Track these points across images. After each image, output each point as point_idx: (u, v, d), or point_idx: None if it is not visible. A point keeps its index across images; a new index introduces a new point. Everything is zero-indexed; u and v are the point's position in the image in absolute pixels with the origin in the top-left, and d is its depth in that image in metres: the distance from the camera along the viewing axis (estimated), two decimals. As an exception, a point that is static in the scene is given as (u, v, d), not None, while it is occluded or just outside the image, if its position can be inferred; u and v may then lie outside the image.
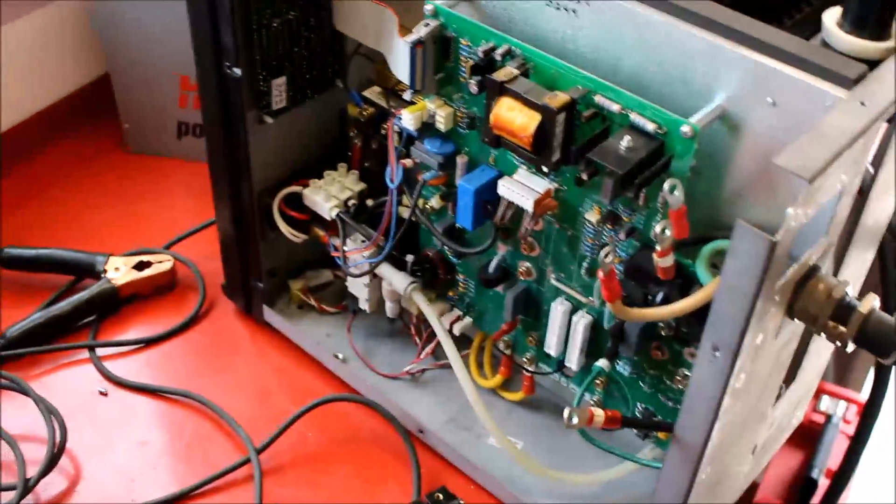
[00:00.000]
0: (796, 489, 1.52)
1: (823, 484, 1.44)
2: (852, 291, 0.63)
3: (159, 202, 1.19)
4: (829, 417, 1.71)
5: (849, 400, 1.75)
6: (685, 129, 0.64)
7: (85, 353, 0.99)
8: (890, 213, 0.77)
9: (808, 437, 1.67)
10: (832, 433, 1.66)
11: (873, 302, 0.62)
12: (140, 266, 1.05)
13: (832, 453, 1.61)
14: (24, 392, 0.91)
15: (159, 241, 1.11)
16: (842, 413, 1.72)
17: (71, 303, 1.00)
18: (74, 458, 0.90)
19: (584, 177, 0.68)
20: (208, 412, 0.93)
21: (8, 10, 1.15)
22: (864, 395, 1.39)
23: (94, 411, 0.94)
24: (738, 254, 0.55)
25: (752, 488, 1.56)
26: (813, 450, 1.66)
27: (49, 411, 0.89)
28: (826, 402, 1.76)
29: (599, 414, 0.68)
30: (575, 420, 0.66)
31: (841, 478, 1.41)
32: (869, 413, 1.26)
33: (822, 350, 0.84)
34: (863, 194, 0.69)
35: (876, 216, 0.74)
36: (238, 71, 0.82)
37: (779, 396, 0.79)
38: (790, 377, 0.81)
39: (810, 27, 0.68)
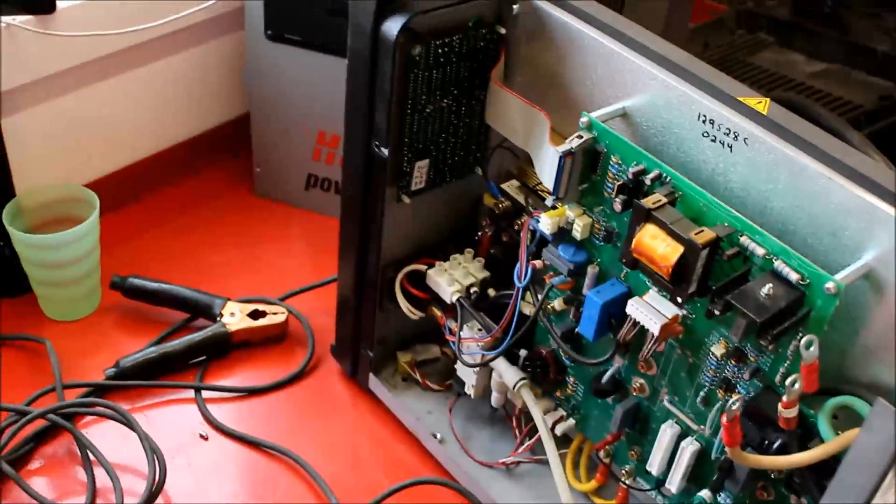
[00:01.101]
0: None
1: None
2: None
3: (279, 250, 1.21)
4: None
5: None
6: (829, 285, 0.64)
7: (191, 394, 1.01)
8: None
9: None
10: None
11: None
12: (255, 314, 1.07)
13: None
14: (130, 426, 0.93)
15: (275, 289, 1.13)
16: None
17: (185, 342, 1.03)
18: (169, 498, 0.91)
19: (716, 312, 0.68)
20: (302, 472, 0.95)
21: (167, 44, 1.20)
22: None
23: (192, 454, 0.96)
24: (873, 430, 0.55)
25: None
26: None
27: (152, 450, 0.91)
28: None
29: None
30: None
31: None
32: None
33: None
34: None
35: None
36: (385, 151, 0.84)
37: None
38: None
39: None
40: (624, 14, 0.81)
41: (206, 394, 1.02)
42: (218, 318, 1.06)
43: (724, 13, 1.53)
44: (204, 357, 1.05)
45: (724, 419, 0.64)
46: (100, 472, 0.91)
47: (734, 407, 0.63)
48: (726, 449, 0.67)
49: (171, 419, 0.99)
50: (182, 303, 1.08)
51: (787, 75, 1.34)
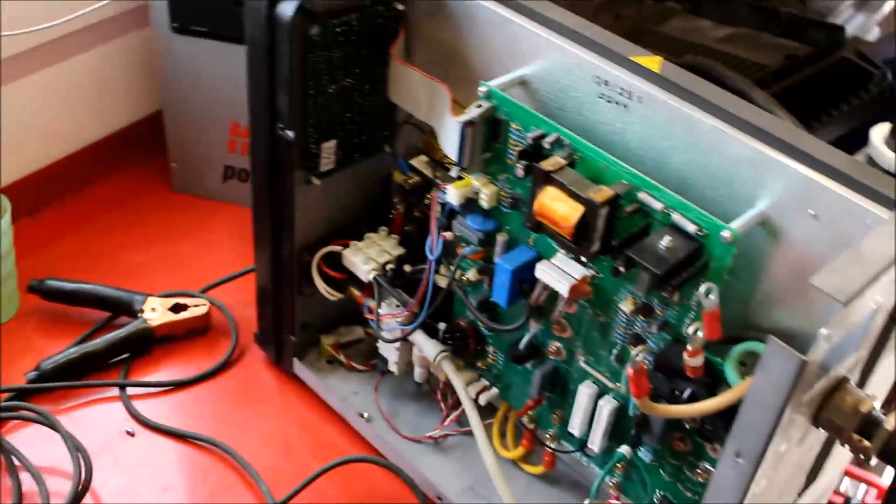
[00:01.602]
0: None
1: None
2: (878, 403, 0.64)
3: (200, 244, 1.21)
4: (847, 500, 1.69)
5: (869, 483, 1.73)
6: (725, 234, 0.65)
7: (115, 391, 1.01)
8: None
9: (826, 519, 1.65)
10: (851, 516, 1.64)
11: (899, 418, 0.63)
12: (176, 308, 1.07)
13: (851, 536, 1.60)
14: (53, 427, 0.92)
15: (197, 284, 1.13)
16: (861, 496, 1.71)
17: (105, 340, 1.02)
18: (98, 497, 0.91)
19: (622, 269, 0.69)
20: (232, 461, 0.95)
21: (72, 43, 1.18)
22: (885, 479, 1.39)
23: (120, 451, 0.95)
24: (768, 369, 0.56)
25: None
26: (832, 532, 1.64)
27: (77, 449, 0.91)
28: (846, 484, 1.74)
29: (619, 510, 0.69)
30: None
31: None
32: (890, 500, 1.25)
33: (844, 451, 0.85)
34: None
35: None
36: (291, 133, 0.84)
37: (800, 495, 0.79)
38: (812, 476, 0.81)
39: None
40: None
41: (131, 391, 1.01)
42: (139, 315, 1.05)
43: (633, -17, 1.54)
44: (127, 354, 1.04)
45: (629, 371, 0.66)
46: (25, 477, 0.90)
47: (638, 358, 0.65)
48: (635, 400, 0.68)
49: (97, 418, 0.98)
50: (102, 302, 1.07)
51: (695, 41, 1.36)
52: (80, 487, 0.89)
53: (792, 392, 0.56)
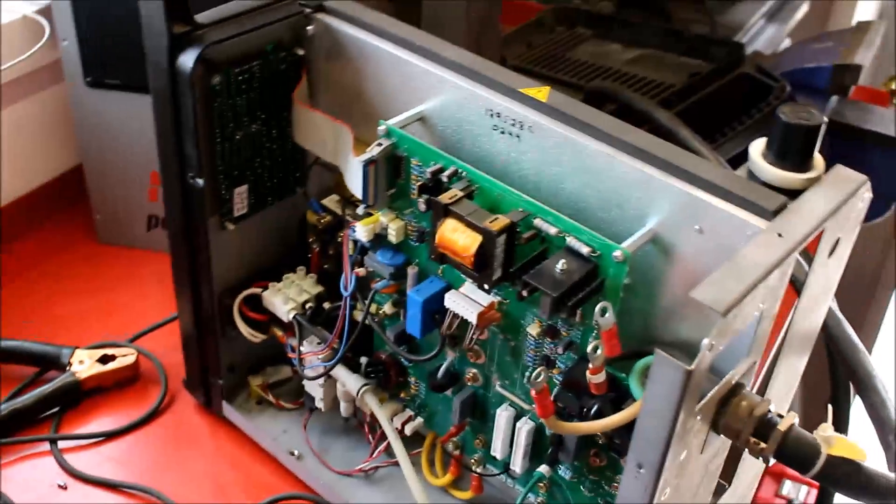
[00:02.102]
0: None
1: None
2: (775, 401, 0.67)
3: (128, 293, 1.22)
4: (790, 502, 1.73)
5: (811, 484, 1.77)
6: (617, 253, 0.68)
7: (46, 446, 1.01)
8: (817, 327, 0.81)
9: (770, 522, 1.68)
10: (793, 518, 1.68)
11: (793, 419, 0.66)
12: (104, 359, 1.07)
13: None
14: (-16, 485, 0.93)
15: (126, 332, 1.14)
16: (803, 498, 1.74)
17: (33, 396, 1.03)
18: (31, 552, 0.91)
19: (524, 294, 0.72)
20: (164, 507, 0.96)
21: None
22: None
23: (52, 505, 0.96)
24: (656, 380, 0.59)
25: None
26: (775, 535, 1.67)
27: (7, 505, 0.91)
28: (788, 487, 1.78)
29: (533, 526, 0.71)
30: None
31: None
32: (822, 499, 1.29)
33: (758, 456, 0.87)
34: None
35: (804, 330, 0.78)
36: (200, 181, 0.86)
37: (716, 499, 0.82)
38: (728, 479, 0.84)
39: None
40: (423, 26, 0.85)
41: (63, 444, 1.02)
42: (67, 368, 1.06)
43: (543, 12, 1.58)
44: (57, 408, 1.04)
45: (532, 392, 0.68)
46: (-42, 537, 0.91)
47: (538, 380, 0.67)
48: (542, 420, 0.70)
49: (28, 474, 0.98)
50: (28, 357, 1.08)
51: (605, 65, 1.40)
52: (13, 544, 0.89)
53: (682, 400, 0.58)
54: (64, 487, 0.98)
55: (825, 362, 1.05)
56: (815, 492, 1.60)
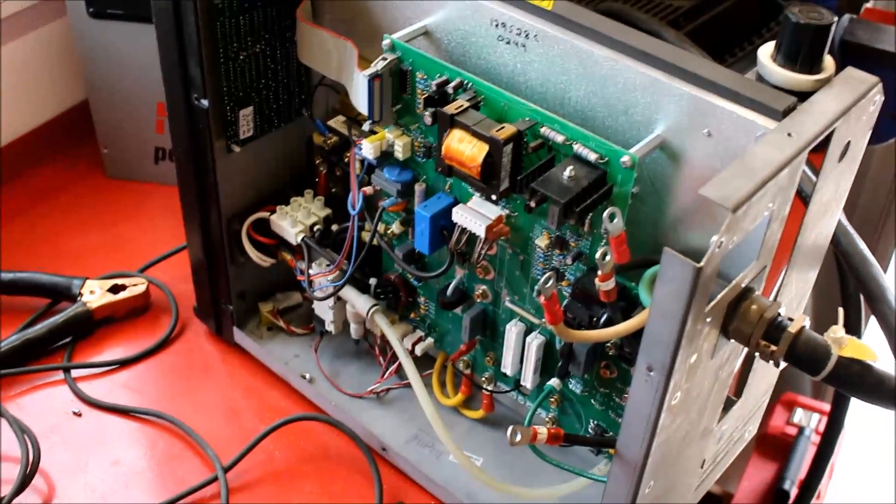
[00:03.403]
0: (769, 500, 1.55)
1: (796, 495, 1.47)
2: (786, 311, 0.67)
3: (136, 226, 1.22)
4: (801, 430, 1.74)
5: (822, 412, 1.78)
6: (625, 159, 0.68)
7: (60, 375, 1.02)
8: (828, 235, 0.81)
9: (781, 448, 1.70)
10: (804, 445, 1.69)
11: (804, 322, 0.66)
12: (115, 289, 1.07)
13: (805, 465, 1.64)
14: (-1, 413, 0.94)
15: (135, 265, 1.14)
16: (814, 425, 1.75)
17: (46, 326, 1.03)
18: (48, 477, 0.92)
19: (532, 204, 0.71)
20: (179, 431, 0.96)
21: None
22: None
23: (67, 432, 0.96)
24: (666, 279, 0.58)
25: (727, 500, 1.59)
26: (786, 462, 1.69)
27: (22, 431, 0.92)
28: (799, 415, 1.79)
29: (542, 432, 0.71)
30: (518, 438, 0.69)
31: (807, 489, 1.44)
32: (832, 424, 1.29)
33: (769, 367, 0.87)
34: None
35: (814, 238, 0.77)
36: (205, 102, 0.85)
37: (725, 412, 0.82)
38: (738, 392, 0.84)
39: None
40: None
41: (76, 373, 1.02)
42: (78, 298, 1.06)
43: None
44: (69, 338, 1.05)
45: (541, 299, 0.68)
46: (-25, 465, 0.92)
47: (547, 285, 0.67)
48: (551, 328, 0.70)
49: (42, 402, 0.99)
50: (40, 289, 1.08)
51: (612, -11, 1.38)
52: (29, 469, 0.90)
53: (691, 299, 0.58)
54: (78, 414, 0.98)
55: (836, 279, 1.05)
56: (825, 419, 1.60)
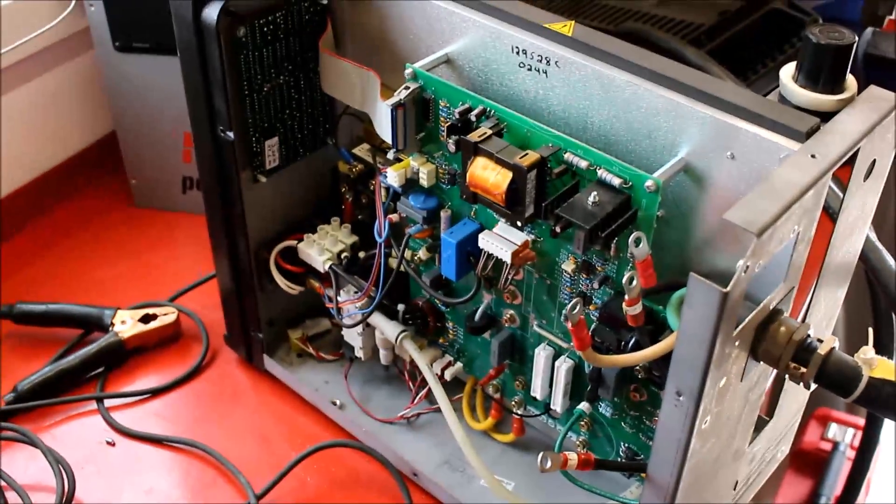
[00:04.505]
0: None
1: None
2: (815, 332, 0.66)
3: (165, 255, 1.23)
4: (836, 445, 1.72)
5: (856, 426, 1.76)
6: (649, 183, 0.68)
7: (93, 405, 1.03)
8: (856, 253, 0.80)
9: (816, 464, 1.68)
10: (839, 461, 1.67)
11: (833, 343, 0.65)
12: (146, 319, 1.09)
13: (840, 480, 1.62)
14: (33, 444, 0.94)
15: (165, 293, 1.15)
16: (849, 440, 1.73)
17: (79, 356, 1.04)
18: (83, 506, 0.93)
19: (558, 230, 0.71)
20: (211, 459, 0.97)
21: (17, 73, 1.20)
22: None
23: (101, 461, 0.97)
24: (692, 304, 0.58)
25: (763, 517, 1.58)
26: (821, 478, 1.67)
27: (57, 462, 0.93)
28: (833, 430, 1.77)
29: (573, 458, 0.71)
30: (549, 464, 0.69)
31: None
32: (867, 439, 1.28)
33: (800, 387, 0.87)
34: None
35: (842, 257, 0.77)
36: (231, 134, 0.86)
37: (757, 433, 0.82)
38: (769, 412, 0.84)
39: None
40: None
41: (109, 402, 1.03)
42: (110, 328, 1.07)
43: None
44: (102, 368, 1.06)
45: (568, 325, 0.68)
46: (11, 496, 0.92)
47: (574, 311, 0.67)
48: (580, 354, 0.70)
49: (76, 432, 1.00)
50: (73, 320, 1.09)
51: (632, 8, 1.38)
52: (64, 499, 0.91)
53: (718, 324, 0.58)
54: (112, 444, 0.99)
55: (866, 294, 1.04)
56: (860, 434, 1.58)
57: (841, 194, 0.70)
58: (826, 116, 0.67)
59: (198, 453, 0.98)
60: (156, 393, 1.05)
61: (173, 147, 1.24)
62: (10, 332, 1.11)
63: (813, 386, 0.67)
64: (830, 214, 0.72)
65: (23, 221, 1.26)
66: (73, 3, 1.20)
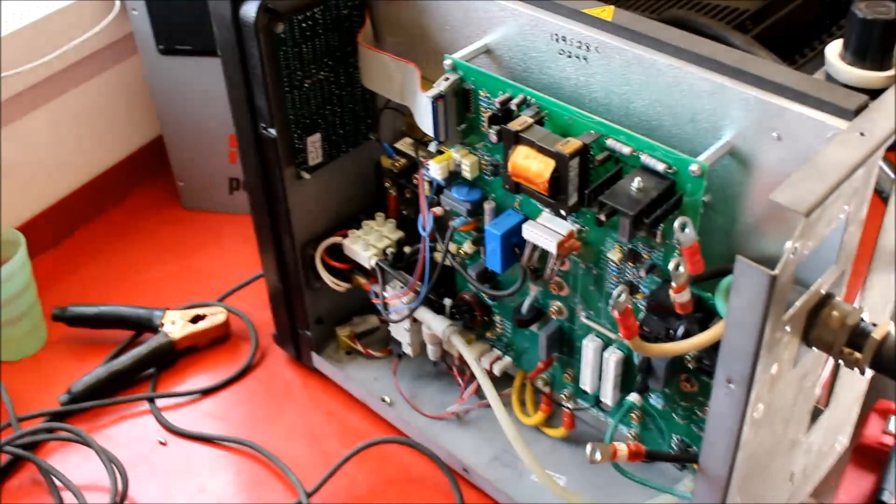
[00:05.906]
0: (867, 513, 1.49)
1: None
2: (869, 316, 0.65)
3: (213, 255, 1.24)
4: (899, 438, 1.67)
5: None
6: (693, 167, 0.66)
7: (145, 405, 1.04)
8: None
9: (878, 459, 1.64)
10: (903, 455, 1.63)
11: (889, 327, 0.64)
12: (195, 319, 1.09)
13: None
14: (87, 444, 0.95)
15: (214, 294, 1.16)
16: (912, 433, 1.69)
17: (131, 357, 1.05)
18: (136, 505, 0.94)
19: (602, 218, 0.70)
20: (262, 458, 0.97)
21: (65, 79, 1.22)
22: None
23: (154, 460, 0.98)
24: (740, 289, 0.57)
25: (823, 513, 1.55)
26: (883, 472, 1.64)
27: (111, 461, 0.94)
28: (894, 423, 1.73)
29: (622, 449, 0.70)
30: (598, 456, 0.68)
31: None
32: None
33: (856, 374, 0.85)
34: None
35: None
36: (273, 131, 0.86)
37: (813, 422, 0.80)
38: (826, 403, 0.82)
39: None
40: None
41: (160, 402, 1.04)
42: (160, 329, 1.08)
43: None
44: (153, 369, 1.07)
45: (615, 314, 0.67)
46: (66, 495, 0.93)
47: (620, 299, 0.65)
48: (627, 342, 0.69)
49: (129, 432, 1.01)
50: (124, 321, 1.10)
51: (676, -5, 1.37)
52: (119, 498, 0.91)
53: (767, 308, 0.57)
54: (164, 444, 1.00)
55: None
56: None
57: (893, 175, 0.68)
58: (874, 94, 0.65)
59: (248, 452, 0.98)
60: (206, 392, 1.05)
61: (219, 149, 1.25)
62: (64, 335, 1.12)
63: (869, 373, 0.65)
64: (883, 197, 0.71)
65: (74, 226, 1.28)
66: (117, 7, 1.21)
